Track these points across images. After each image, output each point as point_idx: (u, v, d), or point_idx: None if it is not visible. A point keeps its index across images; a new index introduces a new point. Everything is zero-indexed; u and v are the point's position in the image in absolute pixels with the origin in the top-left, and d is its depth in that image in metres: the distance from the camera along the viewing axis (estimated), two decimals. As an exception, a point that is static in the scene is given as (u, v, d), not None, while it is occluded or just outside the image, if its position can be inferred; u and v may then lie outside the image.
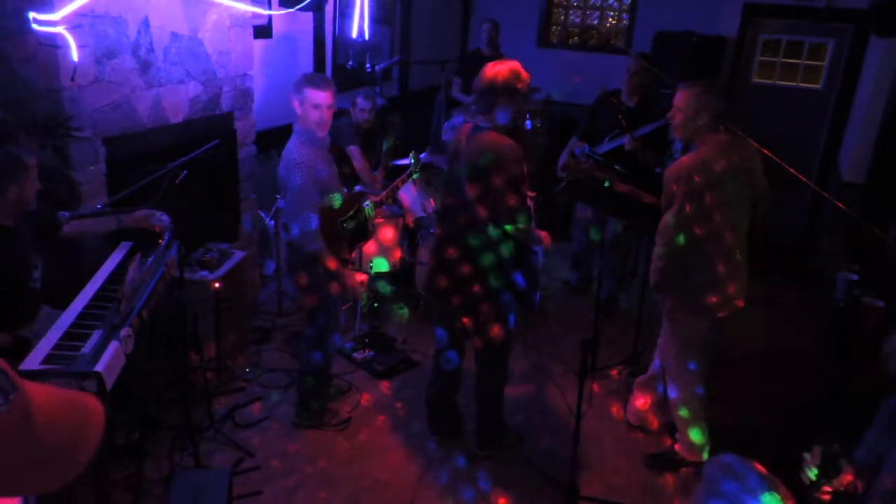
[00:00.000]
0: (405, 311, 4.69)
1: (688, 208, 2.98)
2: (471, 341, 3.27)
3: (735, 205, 3.05)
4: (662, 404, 3.50)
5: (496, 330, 3.08)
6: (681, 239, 3.03)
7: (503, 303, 3.05)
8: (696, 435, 3.29)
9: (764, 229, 3.46)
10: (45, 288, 2.87)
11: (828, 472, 1.93)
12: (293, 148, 3.21)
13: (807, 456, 1.98)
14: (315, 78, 3.26)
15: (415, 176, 4.04)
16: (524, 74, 2.94)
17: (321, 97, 3.16)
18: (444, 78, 5.98)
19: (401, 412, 3.74)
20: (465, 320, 3.13)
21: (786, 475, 2.27)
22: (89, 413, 0.76)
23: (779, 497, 1.36)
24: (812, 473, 1.95)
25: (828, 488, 1.92)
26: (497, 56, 6.22)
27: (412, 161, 3.94)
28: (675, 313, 3.22)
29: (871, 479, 2.00)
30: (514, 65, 2.94)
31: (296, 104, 3.19)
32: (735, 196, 3.04)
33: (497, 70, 2.92)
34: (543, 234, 3.12)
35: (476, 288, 3.01)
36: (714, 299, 3.10)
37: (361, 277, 3.43)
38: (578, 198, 5.09)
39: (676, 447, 3.38)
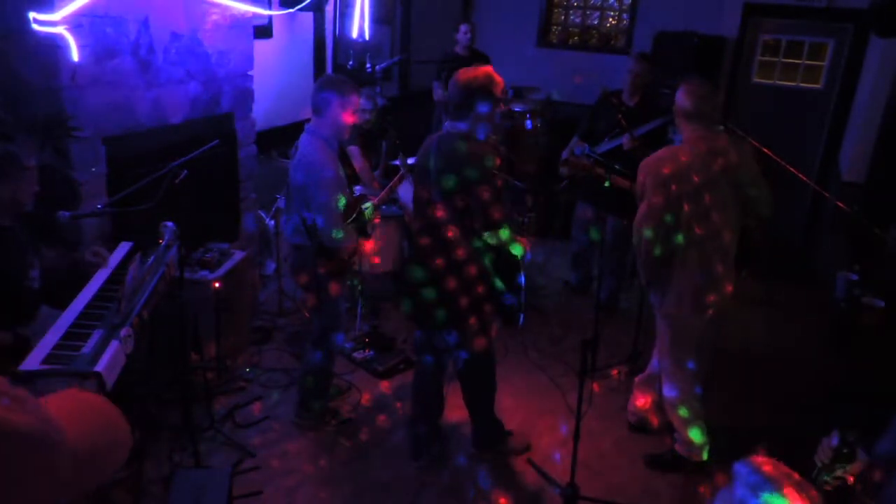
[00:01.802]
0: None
1: (662, 202, 3.05)
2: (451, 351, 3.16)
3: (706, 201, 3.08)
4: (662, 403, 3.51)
5: (478, 340, 2.99)
6: (648, 233, 3.11)
7: (484, 313, 2.96)
8: (696, 434, 3.29)
9: (763, 231, 3.47)
10: (46, 288, 2.87)
11: (841, 459, 1.93)
12: (314, 150, 3.11)
13: (825, 441, 1.99)
14: (354, 83, 3.22)
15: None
16: (499, 79, 2.92)
17: (360, 102, 3.27)
18: (445, 78, 5.98)
19: (401, 412, 3.73)
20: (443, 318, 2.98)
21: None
22: (115, 425, 0.80)
23: (784, 498, 1.36)
24: (825, 460, 1.96)
25: (838, 474, 1.93)
26: (472, 54, 6.21)
27: (401, 164, 3.95)
28: (662, 310, 3.25)
29: (887, 478, 2.01)
30: (488, 69, 2.93)
31: (335, 106, 3.11)
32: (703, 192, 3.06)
33: (472, 73, 2.89)
34: (522, 240, 3.02)
35: (456, 297, 2.90)
36: (695, 295, 3.12)
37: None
38: (579, 197, 5.10)
39: (676, 447, 3.38)
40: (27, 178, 2.57)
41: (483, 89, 2.85)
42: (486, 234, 2.86)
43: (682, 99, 3.11)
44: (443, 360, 3.26)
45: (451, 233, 2.83)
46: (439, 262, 2.88)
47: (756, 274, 5.46)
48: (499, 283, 2.93)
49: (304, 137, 3.21)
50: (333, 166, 3.12)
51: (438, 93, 6.09)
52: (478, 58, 6.25)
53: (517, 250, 2.94)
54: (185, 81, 3.80)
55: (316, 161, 3.08)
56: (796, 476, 1.38)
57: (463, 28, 6.12)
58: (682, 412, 3.28)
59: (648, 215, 3.07)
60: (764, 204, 3.19)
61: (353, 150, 4.73)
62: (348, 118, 3.13)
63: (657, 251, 3.14)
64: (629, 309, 4.82)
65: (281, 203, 4.59)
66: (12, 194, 2.54)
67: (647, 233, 3.12)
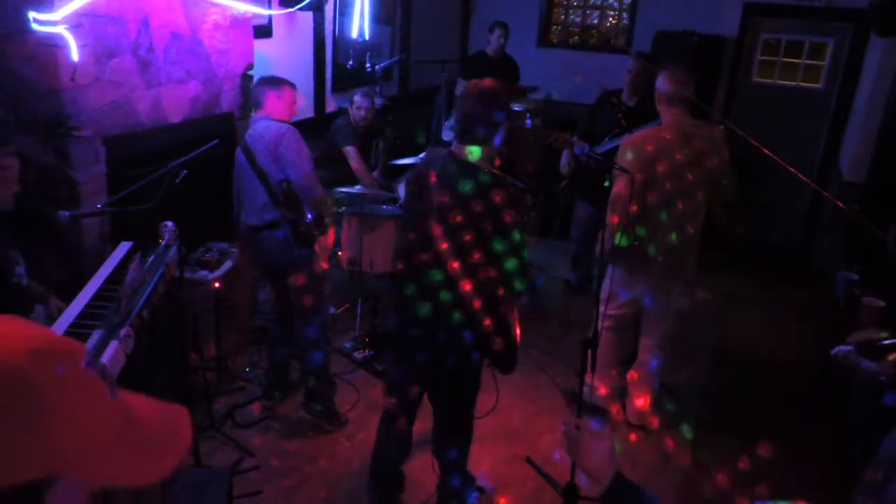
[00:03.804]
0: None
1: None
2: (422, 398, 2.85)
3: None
4: (660, 400, 3.53)
5: (463, 388, 2.72)
6: (641, 232, 3.26)
7: (473, 359, 2.62)
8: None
9: (730, 216, 3.55)
10: (46, 287, 2.87)
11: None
12: (279, 125, 3.32)
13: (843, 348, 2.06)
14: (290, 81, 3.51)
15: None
16: None
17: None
18: (446, 78, 5.97)
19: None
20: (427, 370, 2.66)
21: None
22: (179, 418, 0.83)
23: None
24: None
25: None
26: (503, 56, 6.19)
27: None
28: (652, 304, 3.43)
29: (889, 479, 2.01)
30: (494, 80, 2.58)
31: (273, 98, 3.39)
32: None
33: (493, 84, 2.51)
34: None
35: (446, 341, 2.54)
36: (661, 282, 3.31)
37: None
38: (579, 197, 5.10)
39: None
40: (1, 178, 2.55)
41: (507, 101, 2.51)
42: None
43: (663, 84, 3.27)
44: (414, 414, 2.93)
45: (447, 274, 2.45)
46: (435, 305, 2.50)
47: (756, 274, 5.49)
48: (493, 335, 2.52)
49: (260, 124, 3.35)
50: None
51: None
52: (507, 61, 6.23)
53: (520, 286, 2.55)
54: (185, 81, 3.79)
55: (285, 129, 3.28)
56: None
57: (497, 33, 6.08)
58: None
59: (639, 214, 3.17)
60: (733, 193, 3.35)
61: (351, 151, 4.73)
62: (291, 106, 3.43)
63: (652, 250, 3.18)
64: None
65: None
66: None
67: (641, 231, 3.20)
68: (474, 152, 2.48)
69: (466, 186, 2.41)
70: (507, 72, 6.17)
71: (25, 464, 0.65)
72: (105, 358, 2.23)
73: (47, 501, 0.68)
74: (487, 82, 2.52)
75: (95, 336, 2.37)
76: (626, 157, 3.14)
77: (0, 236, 2.68)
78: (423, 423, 2.97)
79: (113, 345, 2.30)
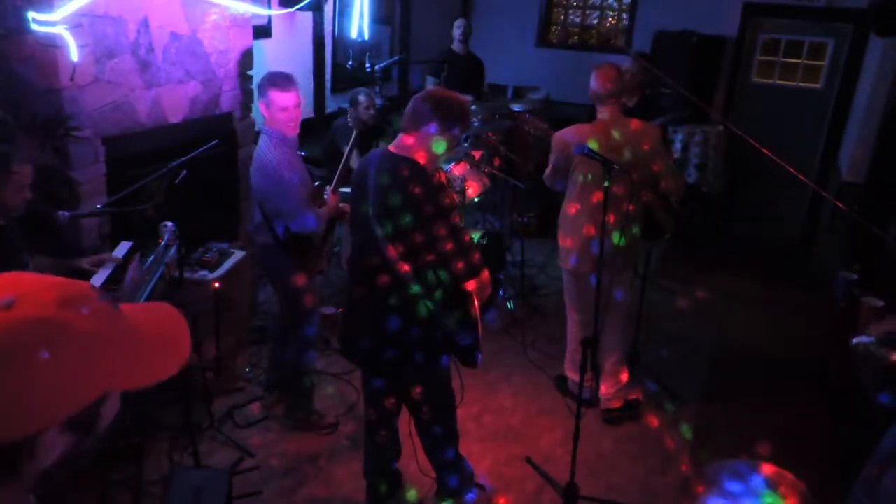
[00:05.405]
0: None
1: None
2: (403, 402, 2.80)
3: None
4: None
5: (433, 390, 2.66)
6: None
7: (439, 360, 2.60)
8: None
9: (671, 212, 3.59)
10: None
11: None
12: (267, 151, 3.13)
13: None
14: (278, 78, 3.18)
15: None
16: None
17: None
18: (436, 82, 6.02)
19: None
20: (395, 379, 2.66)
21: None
22: (174, 317, 0.96)
23: (780, 497, 1.38)
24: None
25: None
26: (469, 55, 6.24)
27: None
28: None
29: (885, 475, 2.02)
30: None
31: (261, 104, 3.17)
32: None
33: (456, 95, 2.55)
34: (485, 276, 2.51)
35: (402, 345, 2.49)
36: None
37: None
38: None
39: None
40: (13, 182, 2.54)
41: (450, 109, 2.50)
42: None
43: (593, 83, 3.26)
44: (396, 415, 2.89)
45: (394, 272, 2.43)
46: (387, 306, 2.45)
47: (756, 273, 5.49)
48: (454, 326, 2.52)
49: (258, 143, 3.23)
50: (288, 163, 3.12)
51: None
52: (474, 59, 6.27)
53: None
54: (185, 81, 3.79)
55: (267, 165, 3.09)
56: (788, 475, 1.40)
57: (456, 23, 6.13)
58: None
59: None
60: (672, 185, 3.44)
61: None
62: (278, 113, 3.11)
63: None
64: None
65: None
66: None
67: (636, 230, 3.37)
68: (439, 147, 2.47)
69: (385, 179, 2.40)
70: (473, 69, 6.23)
71: (89, 388, 0.81)
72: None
73: (103, 414, 0.87)
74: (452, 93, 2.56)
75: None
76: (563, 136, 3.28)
77: (15, 242, 2.68)
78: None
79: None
